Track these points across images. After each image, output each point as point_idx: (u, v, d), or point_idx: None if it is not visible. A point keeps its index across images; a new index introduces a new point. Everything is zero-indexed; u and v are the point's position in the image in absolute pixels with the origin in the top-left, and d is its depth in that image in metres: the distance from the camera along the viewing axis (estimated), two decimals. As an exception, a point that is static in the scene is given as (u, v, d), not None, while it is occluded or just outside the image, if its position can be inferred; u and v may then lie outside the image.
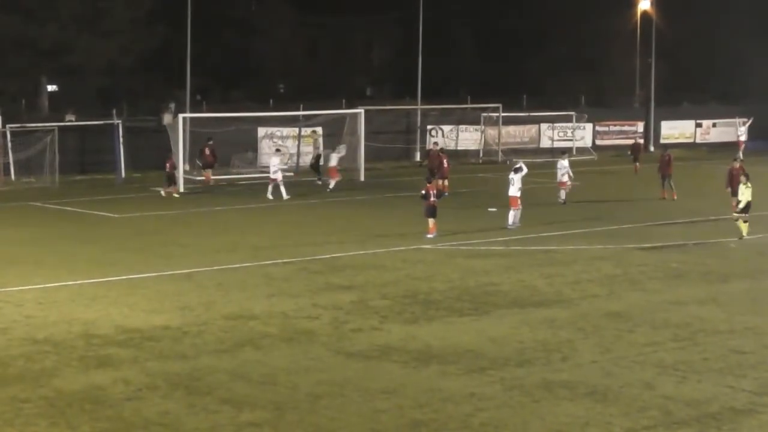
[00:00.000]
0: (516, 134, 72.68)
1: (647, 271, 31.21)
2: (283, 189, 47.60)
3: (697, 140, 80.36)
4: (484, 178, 57.73)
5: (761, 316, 25.51)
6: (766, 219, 40.05)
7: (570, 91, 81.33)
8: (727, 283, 29.58)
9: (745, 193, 36.38)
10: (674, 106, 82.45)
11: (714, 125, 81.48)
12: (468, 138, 70.53)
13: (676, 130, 79.99)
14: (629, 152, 62.09)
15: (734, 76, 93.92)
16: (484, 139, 70.34)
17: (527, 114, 73.56)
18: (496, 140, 69.75)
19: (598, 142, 75.10)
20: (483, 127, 70.45)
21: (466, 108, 71.50)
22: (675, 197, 46.88)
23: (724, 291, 28.53)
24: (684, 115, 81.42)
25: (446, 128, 70.27)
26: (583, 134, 74.84)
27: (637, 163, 59.07)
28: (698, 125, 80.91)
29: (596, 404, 18.86)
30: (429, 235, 36.42)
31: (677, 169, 49.78)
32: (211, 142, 55.13)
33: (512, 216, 39.17)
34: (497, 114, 70.09)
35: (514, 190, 39.58)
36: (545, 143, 73.78)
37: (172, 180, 49.93)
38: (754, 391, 19.56)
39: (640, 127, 78.53)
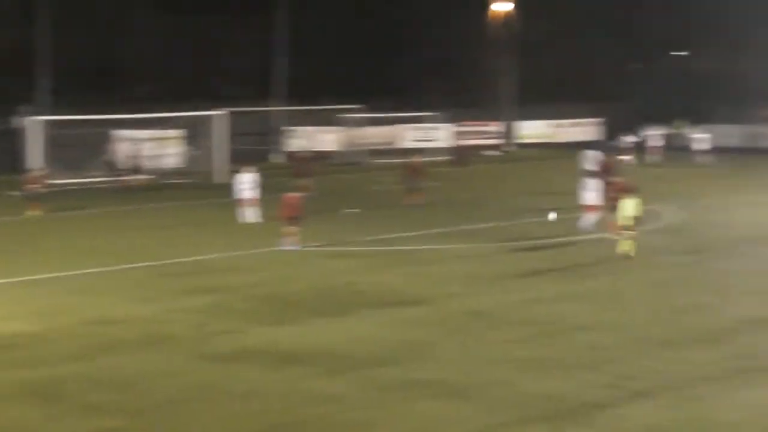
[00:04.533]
0: (376, 135, 73.00)
1: (506, 269, 31.55)
2: (250, 211, 41.74)
3: (555, 139, 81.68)
4: (344, 179, 57.84)
5: (619, 312, 25.97)
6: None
7: (431, 92, 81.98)
8: (586, 280, 30.04)
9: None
10: (532, 106, 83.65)
11: (571, 125, 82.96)
12: (328, 139, 70.61)
13: (534, 130, 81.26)
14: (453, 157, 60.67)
15: (590, 77, 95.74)
16: (345, 141, 70.49)
17: (387, 115, 73.94)
18: (357, 141, 69.95)
19: (458, 142, 75.77)
20: (343, 128, 70.60)
21: (328, 109, 71.58)
22: None
23: (581, 288, 28.96)
24: (542, 115, 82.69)
25: (307, 129, 70.26)
26: (442, 135, 75.46)
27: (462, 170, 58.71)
28: (555, 125, 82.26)
29: (456, 402, 18.99)
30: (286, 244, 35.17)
31: (533, 169, 50.59)
32: (136, 147, 55.21)
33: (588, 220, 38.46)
34: (357, 115, 70.31)
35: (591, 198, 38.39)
36: (405, 144, 74.26)
37: (35, 197, 45.01)
38: (608, 385, 19.89)
39: (499, 127, 79.56)
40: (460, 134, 76.41)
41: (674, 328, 24.33)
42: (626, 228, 32.95)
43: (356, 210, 44.34)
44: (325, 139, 70.61)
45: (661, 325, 24.72)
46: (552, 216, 38.10)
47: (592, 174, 43.46)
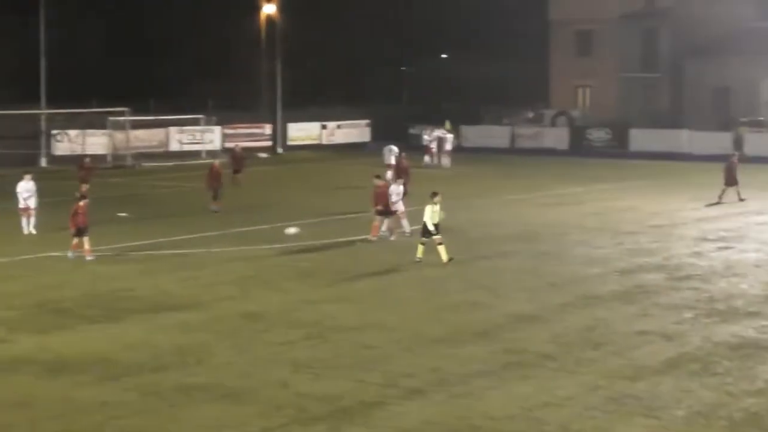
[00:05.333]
0: (145, 138, 72.05)
1: (280, 271, 31.61)
2: (32, 220, 38.73)
3: (323, 141, 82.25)
4: (113, 182, 56.89)
5: (389, 312, 26.32)
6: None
7: (198, 94, 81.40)
8: (356, 281, 30.33)
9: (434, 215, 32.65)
10: (300, 109, 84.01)
11: (339, 127, 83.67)
12: (96, 142, 69.30)
13: (303, 132, 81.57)
14: (230, 160, 55.92)
15: (356, 80, 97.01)
16: (113, 144, 69.33)
17: (155, 118, 73.06)
18: (125, 144, 68.92)
19: (227, 144, 75.43)
20: (111, 131, 69.44)
21: (93, 112, 70.22)
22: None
23: (354, 289, 29.26)
24: (310, 117, 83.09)
25: (73, 133, 68.82)
26: (212, 137, 75.05)
27: (239, 175, 54.29)
28: (324, 127, 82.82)
29: (233, 405, 18.95)
30: (75, 254, 33.30)
31: (303, 171, 50.73)
32: None
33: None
34: (125, 118, 69.25)
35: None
36: (174, 147, 73.58)
37: None
38: (383, 384, 20.19)
39: (268, 129, 79.55)
40: (230, 137, 76.11)
41: (446, 326, 24.83)
42: (426, 234, 32.43)
43: (127, 214, 43.59)
44: (93, 142, 69.24)
45: (434, 323, 25.19)
46: (291, 231, 37.14)
47: (392, 175, 44.26)
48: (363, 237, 36.86)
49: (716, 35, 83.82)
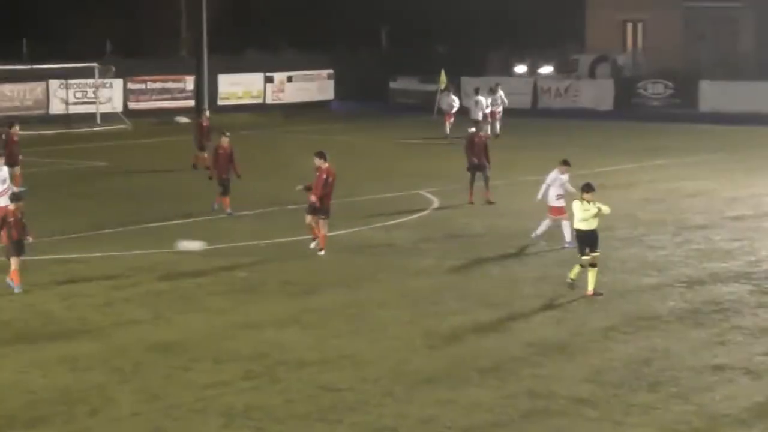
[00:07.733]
0: (15, 96, 71.69)
1: (206, 283, 31.58)
2: None
3: (269, 100, 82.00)
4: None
5: (360, 339, 26.32)
6: (354, 210, 41.46)
7: (91, 34, 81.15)
8: (314, 296, 30.32)
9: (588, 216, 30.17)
10: (236, 55, 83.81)
11: (290, 79, 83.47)
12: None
13: (239, 87, 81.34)
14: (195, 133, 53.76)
15: (314, 15, 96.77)
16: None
17: (29, 67, 72.58)
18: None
19: (132, 105, 75.20)
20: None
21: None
22: None
23: (311, 306, 29.23)
24: (249, 67, 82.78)
25: None
26: (110, 94, 74.58)
27: (205, 153, 51.18)
28: (268, 80, 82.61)
29: (141, 474, 18.99)
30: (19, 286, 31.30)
31: (244, 142, 50.55)
32: None
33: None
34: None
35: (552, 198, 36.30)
36: (57, 109, 73.04)
37: None
38: (354, 441, 20.28)
39: (189, 83, 79.25)
40: (136, 93, 75.89)
41: (442, 359, 24.86)
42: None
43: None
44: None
45: (424, 355, 25.23)
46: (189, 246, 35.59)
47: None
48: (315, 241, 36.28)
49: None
